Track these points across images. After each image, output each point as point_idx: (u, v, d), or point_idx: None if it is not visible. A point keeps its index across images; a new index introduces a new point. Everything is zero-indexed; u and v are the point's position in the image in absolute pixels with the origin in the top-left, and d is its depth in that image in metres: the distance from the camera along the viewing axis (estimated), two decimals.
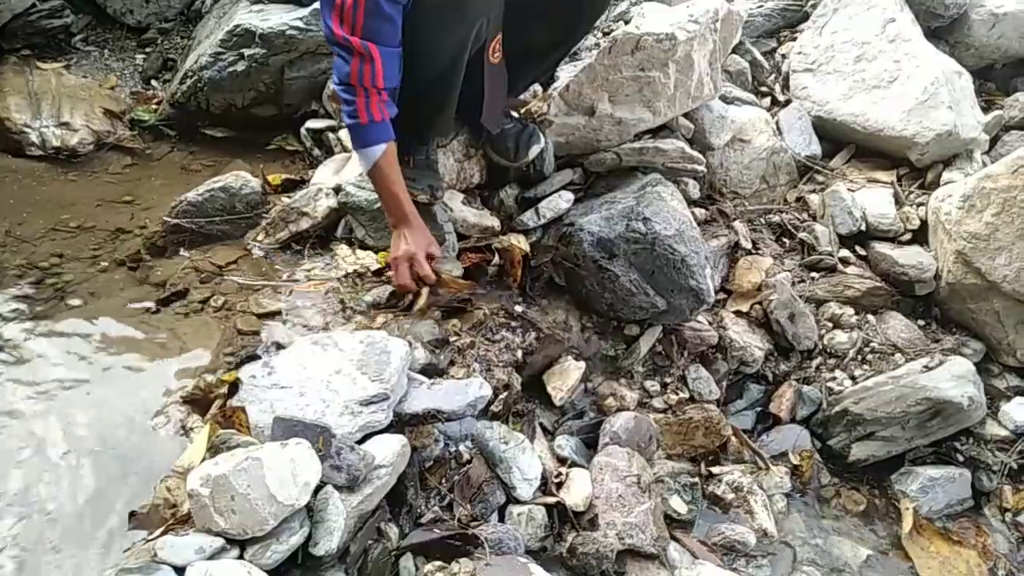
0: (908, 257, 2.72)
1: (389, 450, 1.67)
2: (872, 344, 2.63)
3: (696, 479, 2.33)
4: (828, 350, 2.65)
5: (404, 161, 2.10)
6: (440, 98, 2.05)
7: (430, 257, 2.07)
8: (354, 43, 1.78)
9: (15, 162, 2.70)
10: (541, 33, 2.20)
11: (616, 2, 3.01)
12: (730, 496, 2.30)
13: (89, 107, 2.90)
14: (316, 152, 2.76)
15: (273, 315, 2.08)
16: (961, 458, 2.53)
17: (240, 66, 2.79)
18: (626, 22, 2.77)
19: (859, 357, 2.63)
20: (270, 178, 2.55)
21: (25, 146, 2.73)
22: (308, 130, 2.78)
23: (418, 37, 1.87)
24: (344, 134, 2.65)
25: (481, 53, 2.04)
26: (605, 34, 2.76)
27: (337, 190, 2.36)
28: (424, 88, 2.00)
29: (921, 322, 2.74)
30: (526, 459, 1.99)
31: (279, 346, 1.94)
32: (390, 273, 2.11)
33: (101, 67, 3.18)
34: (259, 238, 2.35)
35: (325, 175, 2.51)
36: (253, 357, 1.91)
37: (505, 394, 2.09)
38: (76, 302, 2.14)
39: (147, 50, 3.29)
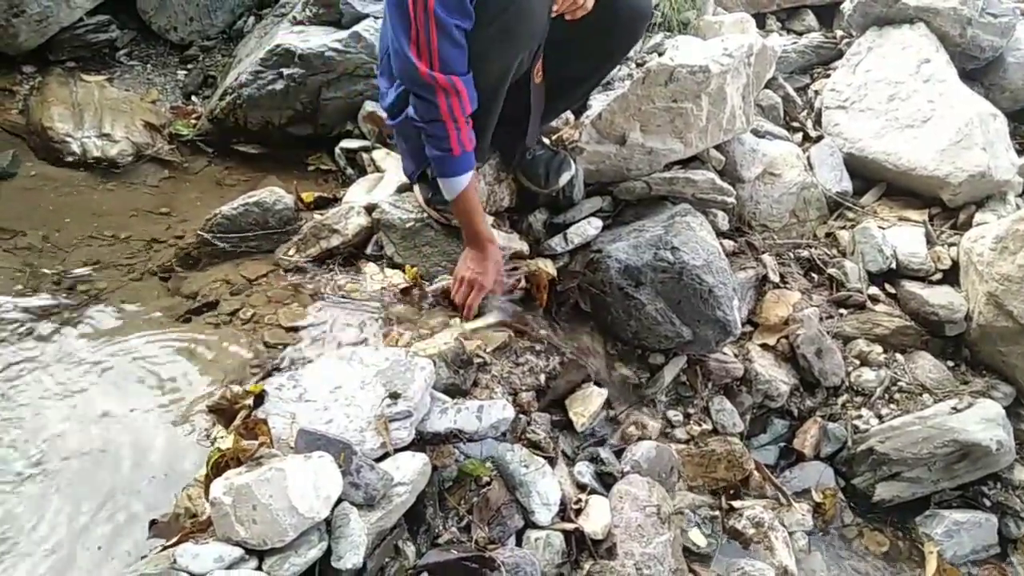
0: (938, 297, 2.70)
1: (410, 468, 1.67)
2: (900, 383, 2.60)
3: (717, 512, 2.31)
4: (855, 387, 2.62)
5: (432, 180, 2.20)
6: (481, 122, 2.05)
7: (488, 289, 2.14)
8: (440, 80, 1.83)
9: (55, 170, 2.76)
10: (576, 62, 2.23)
11: (650, 34, 3.04)
12: (751, 531, 2.27)
13: (130, 119, 2.96)
14: (349, 171, 2.80)
15: (301, 328, 2.10)
16: (988, 503, 2.48)
17: (279, 85, 2.84)
18: (660, 54, 2.79)
19: (886, 396, 2.60)
20: (303, 195, 2.59)
21: (66, 155, 2.79)
22: (342, 149, 2.82)
23: (472, 59, 1.89)
24: (377, 154, 2.68)
25: (527, 74, 2.10)
26: (639, 65, 2.79)
27: (371, 209, 2.39)
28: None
29: (950, 363, 2.71)
30: (546, 484, 1.98)
31: (306, 359, 1.95)
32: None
33: (143, 81, 3.26)
34: (290, 253, 2.37)
35: (357, 194, 2.54)
36: (279, 369, 1.93)
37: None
38: (108, 310, 2.17)
39: (189, 66, 3.36)
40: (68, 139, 2.81)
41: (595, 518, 2.02)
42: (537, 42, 2.01)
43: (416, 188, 2.35)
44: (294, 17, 3.05)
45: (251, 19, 3.43)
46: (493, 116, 2.10)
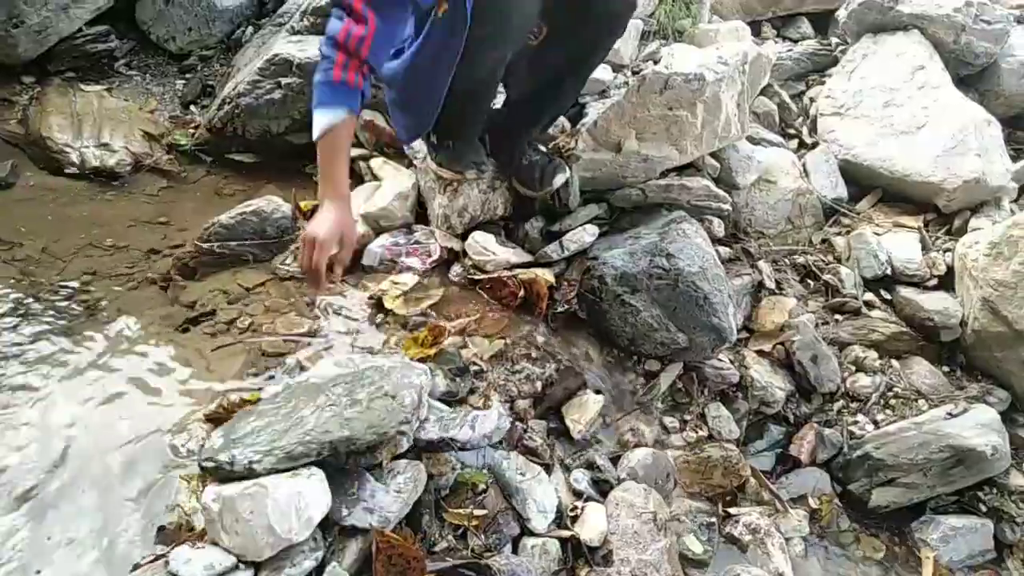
0: (934, 303, 2.71)
1: (405, 477, 1.69)
2: (895, 389, 2.61)
3: (713, 519, 2.31)
4: (851, 393, 2.63)
5: (445, 145, 2.31)
6: (478, 101, 2.19)
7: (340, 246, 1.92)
8: (355, 5, 1.79)
9: (54, 180, 2.77)
10: (561, 55, 2.23)
11: (646, 42, 3.06)
12: (747, 537, 2.27)
13: (129, 129, 2.98)
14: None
15: (298, 337, 2.11)
16: (984, 508, 2.48)
17: (277, 94, 2.85)
18: (655, 62, 2.80)
19: (882, 402, 2.60)
20: (301, 204, 2.59)
21: (65, 165, 2.80)
22: None
23: (465, 54, 1.93)
24: (375, 162, 2.70)
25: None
26: (634, 73, 2.80)
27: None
28: (465, 95, 2.09)
29: (946, 368, 2.71)
30: (542, 491, 1.99)
31: (302, 368, 1.97)
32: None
33: (142, 91, 3.27)
34: (287, 262, 2.38)
35: (355, 202, 2.55)
36: (276, 378, 1.94)
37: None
38: (105, 319, 2.18)
39: (187, 76, 3.37)
40: (67, 149, 2.83)
41: (591, 525, 2.03)
42: (526, 37, 2.05)
43: (427, 157, 2.42)
44: (292, 27, 3.07)
45: (249, 29, 3.44)
46: (483, 111, 2.23)
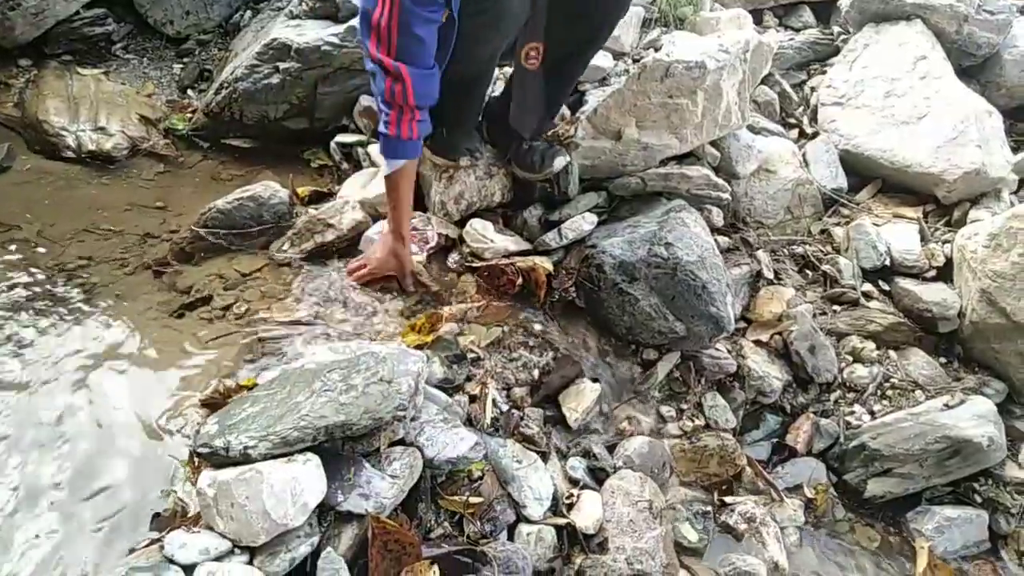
0: (932, 294, 2.70)
1: (401, 463, 1.69)
2: (892, 380, 2.61)
3: (709, 508, 2.32)
4: (848, 384, 2.63)
5: (439, 133, 2.28)
6: (474, 92, 2.27)
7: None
8: (387, 64, 1.88)
9: (50, 164, 2.75)
10: (566, 39, 2.21)
11: (647, 30, 3.04)
12: (742, 527, 2.27)
13: (126, 113, 2.96)
14: (344, 166, 2.80)
15: (294, 323, 2.11)
16: (979, 499, 2.49)
17: (275, 79, 2.84)
18: (656, 49, 2.79)
19: (879, 392, 2.60)
20: (298, 190, 2.59)
21: (61, 149, 2.78)
22: (338, 144, 2.82)
23: (457, 47, 1.98)
24: (373, 148, 2.69)
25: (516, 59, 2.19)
26: (635, 60, 2.78)
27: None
28: (458, 85, 2.12)
29: (943, 360, 2.71)
30: (538, 478, 1.99)
31: (299, 354, 1.96)
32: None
33: (139, 75, 3.25)
34: (284, 247, 2.38)
35: (352, 188, 2.55)
36: (272, 364, 1.93)
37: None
38: (102, 304, 2.18)
39: (185, 60, 3.35)
40: (63, 133, 2.81)
41: (587, 513, 2.03)
42: (519, 25, 2.05)
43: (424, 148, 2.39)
44: (291, 11, 3.04)
45: (248, 13, 3.42)
46: (478, 100, 2.30)
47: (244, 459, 1.51)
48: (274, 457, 1.52)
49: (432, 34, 1.89)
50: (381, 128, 2.01)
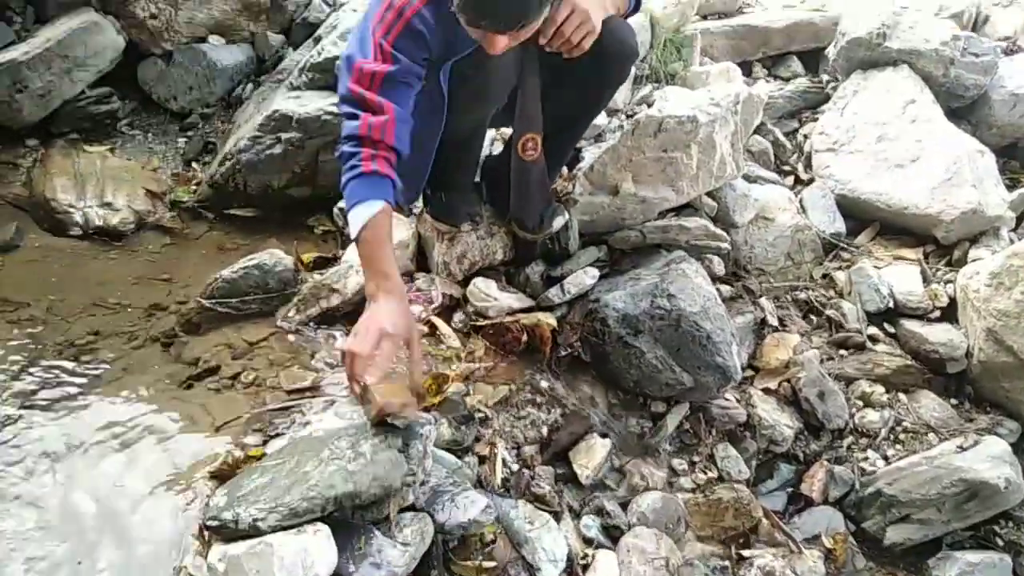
0: (938, 335, 2.70)
1: (412, 529, 1.67)
2: (904, 423, 2.59)
3: (727, 562, 2.28)
4: (859, 429, 2.61)
5: (438, 198, 2.34)
6: (466, 156, 2.29)
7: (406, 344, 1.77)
8: (368, 97, 1.77)
9: (58, 241, 2.79)
10: (563, 107, 2.25)
11: (639, 86, 3.10)
12: None
13: (132, 188, 3.01)
14: (348, 231, 2.83)
15: (303, 391, 2.11)
16: (1001, 543, 2.45)
17: (277, 149, 2.89)
18: (649, 105, 2.85)
19: (891, 436, 2.58)
20: (303, 256, 2.61)
21: (69, 226, 2.82)
22: (340, 209, 2.86)
23: (449, 111, 2.03)
24: None
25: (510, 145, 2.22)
26: (628, 116, 2.84)
27: None
28: (450, 149, 2.16)
29: (954, 401, 2.70)
30: (552, 539, 1.97)
31: (306, 422, 1.96)
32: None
33: (144, 150, 3.31)
34: (290, 314, 2.39)
35: (355, 252, 2.57)
36: (280, 434, 1.93)
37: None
38: (110, 378, 2.18)
39: (189, 134, 3.42)
40: (71, 210, 2.85)
41: (603, 573, 2.01)
42: (507, 91, 2.09)
43: (426, 213, 2.45)
44: (291, 83, 3.12)
45: (249, 86, 3.50)
46: (471, 163, 2.33)
47: (254, 532, 1.49)
48: (283, 529, 1.51)
49: (413, 90, 1.87)
50: (349, 172, 1.77)
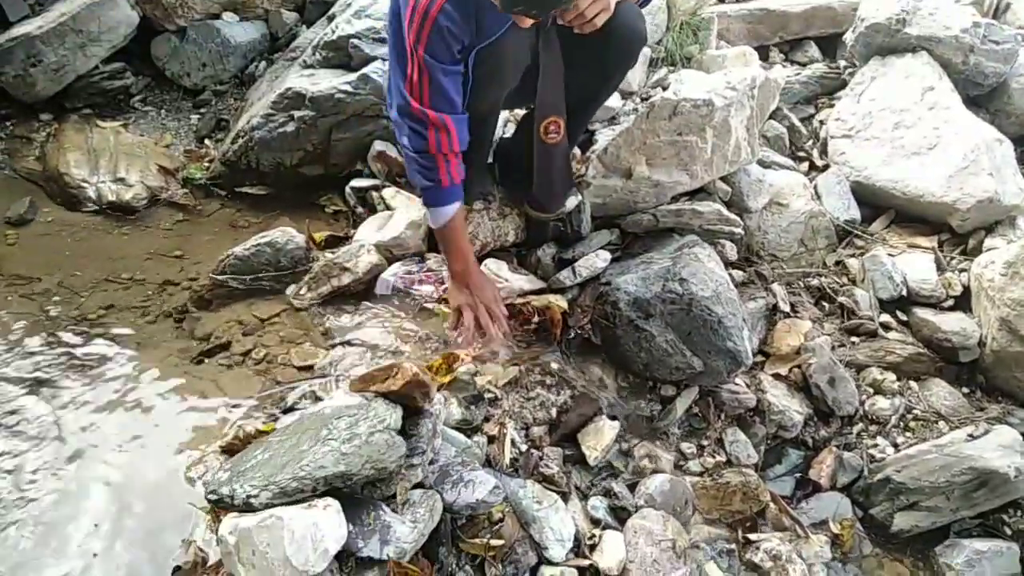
0: (951, 323, 2.68)
1: (421, 507, 1.68)
2: (915, 411, 2.59)
3: (733, 545, 2.29)
4: (869, 416, 2.60)
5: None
6: (480, 137, 2.25)
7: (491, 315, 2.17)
8: (431, 117, 1.96)
9: (71, 216, 2.80)
10: (573, 90, 2.24)
11: (654, 69, 3.08)
12: (768, 564, 2.24)
13: (144, 164, 3.02)
14: (359, 210, 2.83)
15: (313, 368, 2.12)
16: (1009, 531, 2.45)
17: (290, 127, 2.89)
18: (664, 88, 2.82)
19: (901, 424, 2.58)
20: (314, 235, 2.62)
21: (82, 200, 2.83)
22: (353, 188, 2.85)
23: (468, 100, 2.05)
24: (388, 192, 2.72)
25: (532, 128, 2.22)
26: (643, 99, 2.82)
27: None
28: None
29: (965, 389, 2.69)
30: (559, 519, 1.98)
31: (317, 398, 1.97)
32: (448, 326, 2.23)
33: (158, 126, 3.32)
34: (301, 292, 2.40)
35: (367, 232, 2.57)
36: (291, 409, 1.94)
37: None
38: (123, 352, 2.20)
39: (202, 111, 3.42)
40: (84, 184, 2.86)
41: (609, 553, 2.01)
42: (520, 72, 2.10)
43: None
44: (304, 61, 3.11)
45: (263, 63, 3.50)
46: (485, 144, 2.35)
47: (247, 507, 1.49)
48: (273, 506, 1.49)
49: (458, 85, 1.98)
50: (425, 181, 2.07)
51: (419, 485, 1.74)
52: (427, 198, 2.15)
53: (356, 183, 2.86)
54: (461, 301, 2.16)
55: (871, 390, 2.63)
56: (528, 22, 1.85)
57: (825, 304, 2.83)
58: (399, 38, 1.98)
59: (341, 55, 3.00)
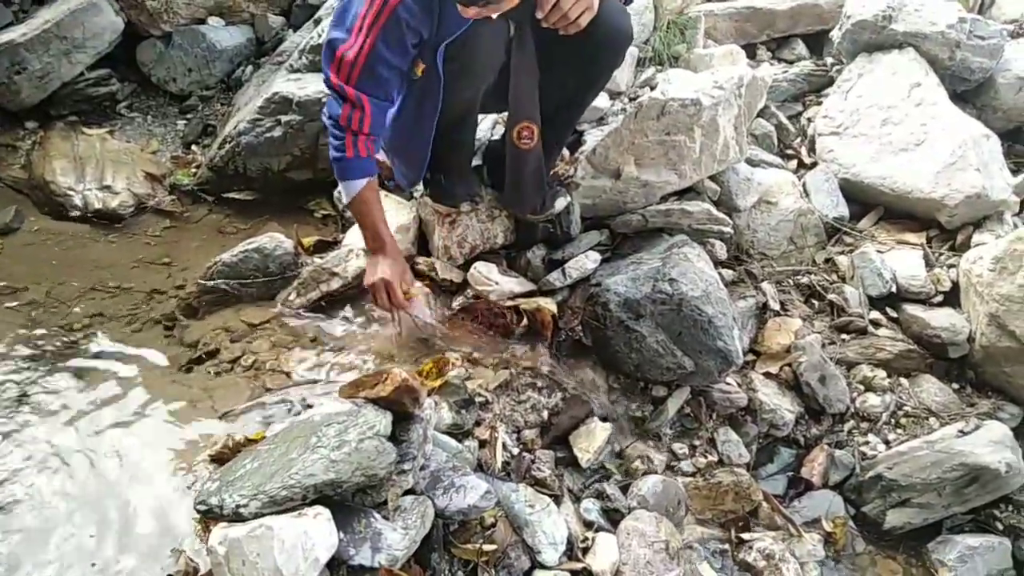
0: (940, 320, 2.69)
1: (413, 513, 1.67)
2: (905, 408, 2.59)
3: (726, 545, 2.29)
4: (860, 413, 2.60)
5: (437, 180, 2.38)
6: (460, 137, 2.29)
7: (404, 288, 2.19)
8: (348, 92, 1.94)
9: (58, 224, 2.79)
10: (558, 90, 2.22)
11: (642, 68, 3.07)
12: (761, 564, 2.24)
13: (131, 171, 3.00)
14: (348, 214, 2.82)
15: (302, 373, 2.11)
16: (1001, 527, 2.45)
17: (277, 132, 2.88)
18: (652, 88, 2.82)
19: (892, 421, 2.58)
20: (303, 240, 2.61)
21: (68, 209, 2.82)
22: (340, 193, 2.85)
23: (443, 98, 2.05)
24: None
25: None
26: (631, 99, 2.81)
27: None
28: (444, 131, 2.17)
29: (955, 385, 2.69)
30: (552, 523, 1.97)
31: (307, 405, 1.96)
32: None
33: (144, 132, 3.30)
34: (290, 298, 2.39)
35: (356, 236, 2.56)
36: (287, 414, 1.93)
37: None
38: (111, 361, 2.18)
39: (188, 116, 3.41)
40: (70, 192, 2.85)
41: (603, 556, 2.01)
42: (494, 71, 2.08)
43: (425, 196, 2.47)
44: (291, 65, 3.10)
45: (249, 68, 3.48)
46: (467, 145, 2.33)
47: (237, 517, 1.49)
48: (262, 516, 1.49)
49: (395, 77, 1.97)
50: (335, 153, 2.05)
51: (410, 491, 1.73)
52: (336, 170, 2.11)
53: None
54: (373, 280, 2.15)
55: (862, 387, 2.64)
56: (472, 12, 1.78)
57: (815, 302, 2.83)
58: (350, 3, 1.92)
59: None
